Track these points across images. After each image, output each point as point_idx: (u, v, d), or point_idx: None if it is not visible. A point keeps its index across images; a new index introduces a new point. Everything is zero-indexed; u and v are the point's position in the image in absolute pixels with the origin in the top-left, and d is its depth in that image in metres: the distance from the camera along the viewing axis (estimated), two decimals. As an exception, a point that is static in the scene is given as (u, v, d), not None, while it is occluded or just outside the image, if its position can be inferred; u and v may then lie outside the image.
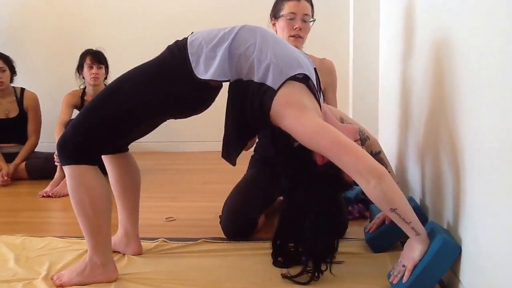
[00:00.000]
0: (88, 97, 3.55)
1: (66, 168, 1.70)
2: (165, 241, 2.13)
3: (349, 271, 1.78)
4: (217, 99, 1.78)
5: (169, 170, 3.84)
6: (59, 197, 3.03)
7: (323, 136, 1.54)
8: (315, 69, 1.78)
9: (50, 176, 3.22)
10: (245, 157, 2.07)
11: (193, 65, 1.65)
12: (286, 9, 2.36)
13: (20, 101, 3.69)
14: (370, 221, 2.12)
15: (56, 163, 3.19)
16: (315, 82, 1.71)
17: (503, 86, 1.24)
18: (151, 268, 1.88)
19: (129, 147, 1.96)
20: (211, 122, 3.16)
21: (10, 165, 3.49)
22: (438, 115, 1.85)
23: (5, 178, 3.40)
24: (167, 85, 1.68)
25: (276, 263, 1.83)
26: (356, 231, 2.18)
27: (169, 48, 1.73)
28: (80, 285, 1.72)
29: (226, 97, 1.69)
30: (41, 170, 3.47)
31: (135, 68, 1.74)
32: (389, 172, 1.57)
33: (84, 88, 3.62)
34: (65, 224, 2.56)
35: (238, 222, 2.15)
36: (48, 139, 3.83)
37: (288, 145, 1.70)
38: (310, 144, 1.57)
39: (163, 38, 2.01)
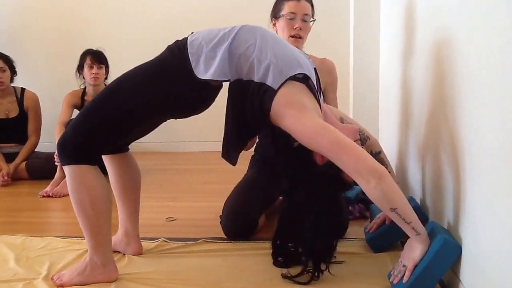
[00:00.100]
0: (88, 97, 3.55)
1: (66, 168, 1.70)
2: (166, 241, 2.13)
3: (350, 271, 1.78)
4: (217, 99, 1.78)
5: (169, 170, 3.84)
6: (59, 197, 3.03)
7: (323, 136, 1.54)
8: (315, 69, 1.78)
9: (51, 176, 3.22)
10: (245, 157, 2.07)
11: (193, 65, 1.65)
12: (286, 9, 2.36)
13: (20, 101, 3.69)
14: (371, 221, 2.12)
15: (56, 163, 3.19)
16: (315, 82, 1.71)
17: (503, 86, 1.24)
18: (152, 268, 1.88)
19: (129, 147, 1.96)
20: (211, 122, 3.17)
21: (11, 165, 3.49)
22: (439, 115, 1.85)
23: (6, 178, 3.40)
24: (167, 85, 1.68)
25: (276, 263, 1.83)
26: (356, 231, 2.18)
27: (169, 48, 1.73)
28: (81, 285, 1.72)
29: (226, 97, 1.69)
30: (41, 170, 3.47)
31: (135, 68, 1.74)
32: (389, 172, 1.57)
33: (84, 88, 3.62)
34: (66, 224, 2.56)
35: (239, 222, 2.15)
36: (48, 139, 3.83)
37: (288, 145, 1.70)
38: (310, 144, 1.57)
39: (163, 38, 2.01)
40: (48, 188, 3.11)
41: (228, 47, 1.64)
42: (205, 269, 1.86)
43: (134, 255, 1.99)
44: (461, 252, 1.53)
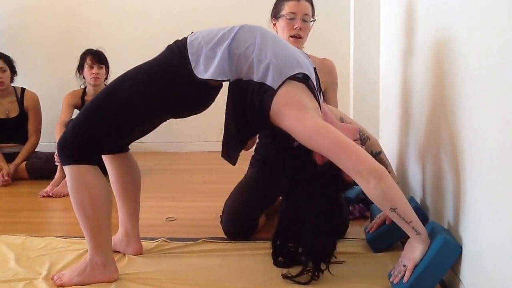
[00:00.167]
0: (89, 97, 3.55)
1: (66, 168, 1.70)
2: (166, 241, 2.13)
3: (350, 271, 1.78)
4: (217, 99, 1.78)
5: (169, 170, 3.84)
6: (59, 197, 3.03)
7: (323, 136, 1.54)
8: (314, 68, 1.78)
9: (51, 176, 3.22)
10: (245, 157, 2.07)
11: (192, 65, 1.65)
12: (286, 9, 2.36)
13: (20, 101, 3.69)
14: (371, 221, 2.12)
15: (56, 163, 3.19)
16: (314, 82, 1.71)
17: (503, 86, 1.24)
18: (152, 268, 1.88)
19: (129, 147, 1.96)
20: (211, 122, 3.17)
21: (11, 165, 3.49)
22: (439, 115, 1.85)
23: (6, 178, 3.40)
24: (167, 85, 1.68)
25: (276, 263, 1.83)
26: (356, 231, 2.18)
27: (169, 48, 1.73)
28: (81, 285, 1.72)
29: (226, 97, 1.69)
30: (41, 170, 3.47)
31: (135, 67, 1.74)
32: (389, 172, 1.57)
33: (85, 88, 3.62)
34: (66, 224, 2.56)
35: (239, 222, 2.15)
36: (48, 139, 3.83)
37: (288, 145, 1.70)
38: (310, 144, 1.57)
39: (163, 38, 2.01)
40: (48, 188, 3.11)
41: (227, 47, 1.64)
42: (205, 269, 1.86)
43: (134, 255, 1.99)
44: (461, 252, 1.53)
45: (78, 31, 4.49)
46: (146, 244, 2.05)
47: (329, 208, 1.68)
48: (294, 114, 1.57)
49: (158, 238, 2.15)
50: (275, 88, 1.58)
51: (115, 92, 1.72)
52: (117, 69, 2.30)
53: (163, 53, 1.73)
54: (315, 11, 2.45)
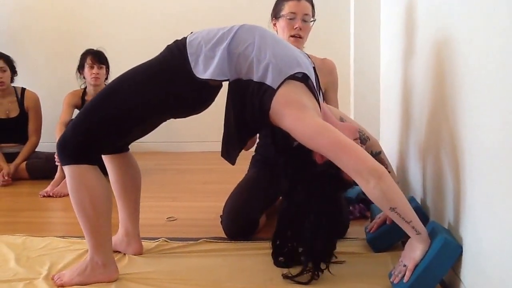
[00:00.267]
0: (89, 97, 3.55)
1: (66, 168, 1.70)
2: (166, 241, 2.13)
3: (350, 271, 1.78)
4: (217, 99, 1.78)
5: (169, 170, 3.84)
6: (59, 197, 3.03)
7: (323, 135, 1.54)
8: (314, 68, 1.78)
9: (51, 176, 3.22)
10: (245, 157, 2.07)
11: (192, 64, 1.65)
12: (286, 9, 2.36)
13: (20, 101, 3.69)
14: (371, 221, 2.12)
15: (56, 163, 3.19)
16: (314, 82, 1.71)
17: (503, 86, 1.24)
18: (152, 268, 1.88)
19: (129, 147, 1.96)
20: (211, 122, 3.16)
21: (11, 165, 3.49)
22: (439, 115, 1.85)
23: (6, 178, 3.40)
24: (167, 85, 1.68)
25: (277, 263, 1.83)
26: (357, 231, 2.18)
27: (169, 47, 1.73)
28: (81, 285, 1.72)
29: (226, 97, 1.69)
30: (41, 170, 3.47)
31: (135, 67, 1.74)
32: (389, 172, 1.57)
33: (85, 88, 3.62)
34: (66, 224, 2.57)
35: (239, 222, 2.15)
36: (48, 139, 3.83)
37: (288, 145, 1.70)
38: (309, 143, 1.57)
39: (163, 38, 2.01)
40: (48, 188, 3.11)
41: (227, 47, 1.64)
42: (206, 269, 1.86)
43: (134, 255, 1.99)
44: (461, 252, 1.53)
45: (78, 31, 4.49)
46: (146, 244, 2.06)
47: (329, 208, 1.68)
48: (294, 113, 1.57)
49: (159, 238, 2.15)
50: (275, 87, 1.58)
51: (115, 92, 1.72)
52: (117, 69, 2.30)
53: (163, 53, 1.73)
54: (316, 11, 2.45)
